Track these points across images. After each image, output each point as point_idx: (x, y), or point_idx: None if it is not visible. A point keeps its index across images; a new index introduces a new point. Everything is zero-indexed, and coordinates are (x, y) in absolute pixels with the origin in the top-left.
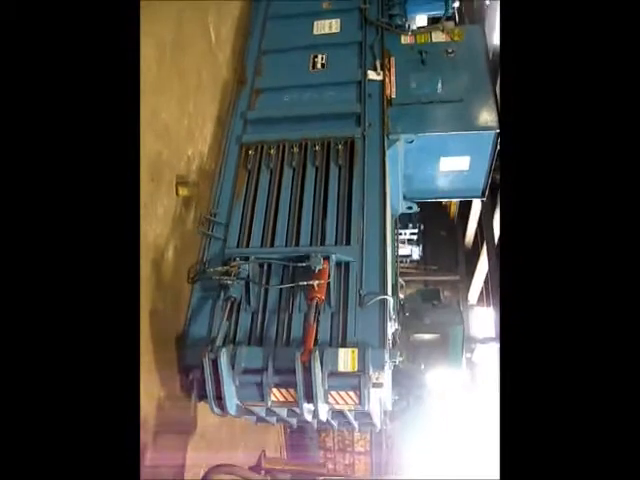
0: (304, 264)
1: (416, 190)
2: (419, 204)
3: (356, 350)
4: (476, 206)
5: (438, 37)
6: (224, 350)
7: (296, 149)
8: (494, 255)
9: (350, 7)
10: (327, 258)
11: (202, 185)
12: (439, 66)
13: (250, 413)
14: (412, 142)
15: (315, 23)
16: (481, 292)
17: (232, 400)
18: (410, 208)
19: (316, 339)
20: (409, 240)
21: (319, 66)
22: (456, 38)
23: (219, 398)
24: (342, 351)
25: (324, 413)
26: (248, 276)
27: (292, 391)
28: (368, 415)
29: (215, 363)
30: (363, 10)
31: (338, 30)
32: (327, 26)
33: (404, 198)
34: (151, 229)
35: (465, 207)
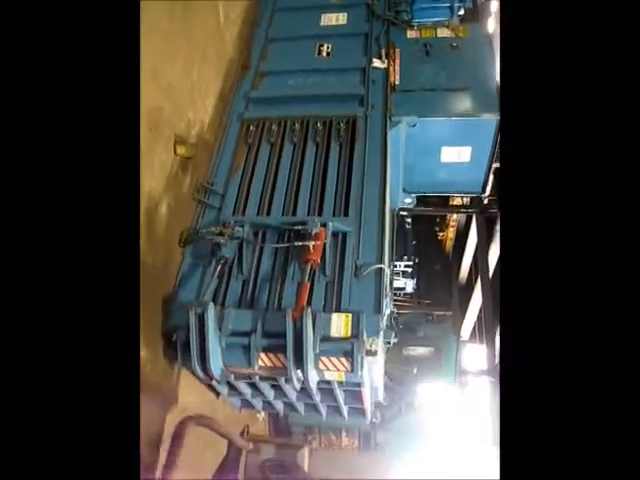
0: (300, 228)
1: (417, 183)
2: (414, 237)
3: (350, 315)
4: (472, 241)
5: (443, 33)
6: (211, 305)
7: (298, 126)
8: (488, 291)
9: (357, 2)
10: (324, 226)
11: (200, 153)
12: (443, 58)
13: (233, 389)
14: (414, 126)
15: (322, 16)
16: (474, 328)
17: (217, 362)
18: (410, 201)
19: (309, 304)
20: (403, 272)
21: (324, 54)
22: (461, 34)
23: (203, 361)
24: (335, 315)
25: (313, 380)
26: (242, 240)
27: (281, 357)
28: (358, 395)
29: (202, 319)
30: (370, 5)
31: (345, 22)
32: (334, 19)
33: (404, 191)
34: (146, 180)
35: (461, 240)
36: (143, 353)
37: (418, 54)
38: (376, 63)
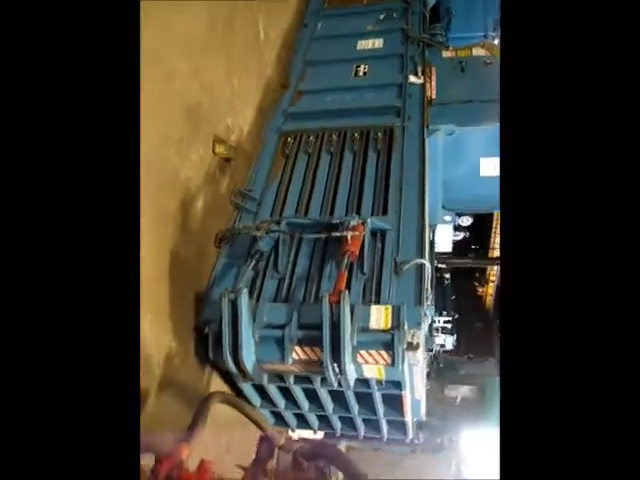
0: (337, 222)
1: (456, 199)
2: (453, 292)
3: (390, 307)
4: None
5: (478, 52)
6: (245, 291)
7: (335, 137)
8: None
9: (393, 28)
10: (363, 223)
11: (239, 160)
12: (478, 73)
13: (266, 399)
14: (452, 134)
15: (359, 42)
16: None
17: (250, 355)
18: (449, 219)
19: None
20: (443, 329)
21: (361, 74)
22: (495, 52)
23: (236, 352)
24: (374, 307)
25: (351, 376)
26: (278, 238)
27: (316, 349)
28: (399, 402)
29: (235, 306)
30: (406, 29)
31: (381, 46)
32: (370, 44)
33: (443, 208)
34: (183, 168)
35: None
36: (173, 346)
37: (454, 71)
38: (412, 79)
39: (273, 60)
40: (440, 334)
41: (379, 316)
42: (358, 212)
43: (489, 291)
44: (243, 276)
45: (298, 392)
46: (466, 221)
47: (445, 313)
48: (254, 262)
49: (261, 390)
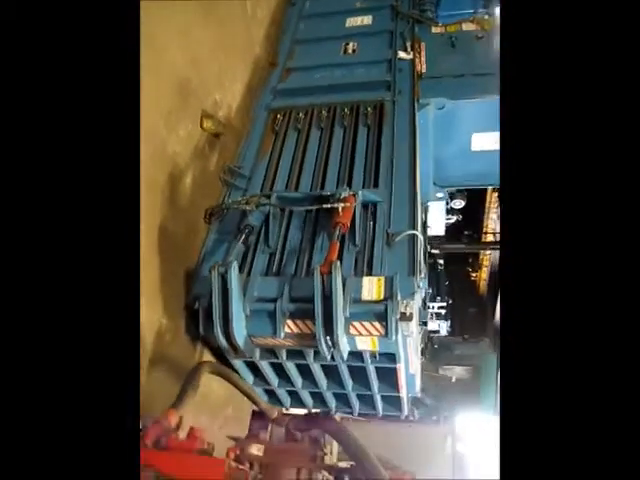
0: (329, 205)
1: (448, 176)
2: (447, 278)
3: (382, 278)
4: None
5: (468, 27)
6: (235, 264)
7: (325, 113)
8: None
9: (382, 5)
10: (354, 195)
11: (227, 137)
12: (469, 48)
13: (259, 377)
14: (443, 108)
15: (347, 19)
16: None
17: (240, 329)
18: (441, 195)
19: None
20: (437, 314)
21: (350, 51)
22: (486, 27)
23: (226, 326)
24: (367, 279)
25: (345, 349)
26: (268, 212)
27: (309, 323)
28: (393, 376)
29: (225, 280)
30: (395, 6)
31: (370, 23)
32: (359, 20)
33: (435, 185)
34: (170, 142)
35: (495, 281)
36: (164, 322)
37: (444, 46)
38: (402, 54)
39: (261, 39)
40: (435, 319)
41: (371, 287)
42: (349, 185)
43: (482, 276)
44: (233, 250)
45: (291, 368)
46: (458, 204)
47: (439, 299)
48: (244, 236)
49: (253, 368)
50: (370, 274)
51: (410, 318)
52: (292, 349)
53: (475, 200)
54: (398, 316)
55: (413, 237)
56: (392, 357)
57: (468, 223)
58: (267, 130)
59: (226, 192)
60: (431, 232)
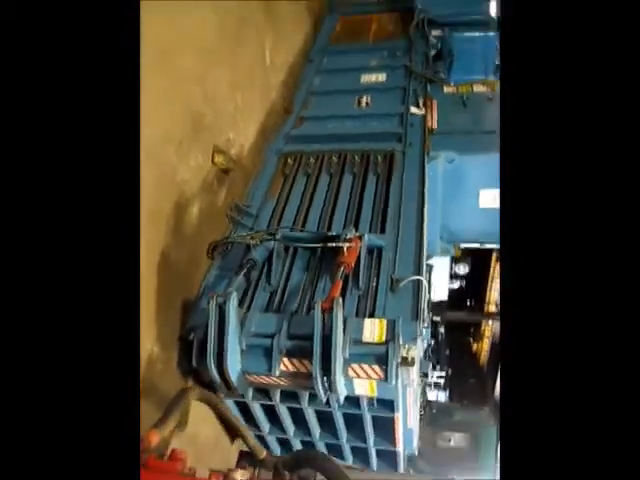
0: (334, 244)
1: (455, 231)
2: (447, 346)
3: (385, 321)
4: None
5: (479, 88)
6: (234, 295)
7: (335, 159)
8: None
9: (397, 64)
10: (360, 237)
11: (237, 175)
12: (480, 108)
13: (250, 420)
14: (452, 162)
15: (362, 75)
16: None
17: (235, 363)
18: (447, 250)
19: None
20: (435, 384)
21: (364, 104)
22: (495, 89)
23: (220, 360)
24: (369, 321)
25: (341, 391)
26: (272, 252)
27: (306, 362)
28: (390, 426)
29: (222, 311)
30: (409, 66)
31: (384, 80)
32: (374, 78)
33: (441, 239)
34: (180, 170)
35: (496, 353)
36: (156, 350)
37: (455, 105)
38: (414, 110)
39: (278, 85)
40: (433, 389)
41: (373, 329)
42: (356, 229)
43: (484, 347)
44: (234, 282)
45: (284, 413)
46: (462, 269)
47: (439, 367)
48: (245, 270)
49: (244, 410)
50: (373, 316)
51: (411, 363)
52: (287, 391)
53: (478, 270)
54: (399, 360)
55: (418, 283)
56: (390, 405)
57: (470, 293)
58: (277, 173)
59: (232, 229)
60: (434, 297)
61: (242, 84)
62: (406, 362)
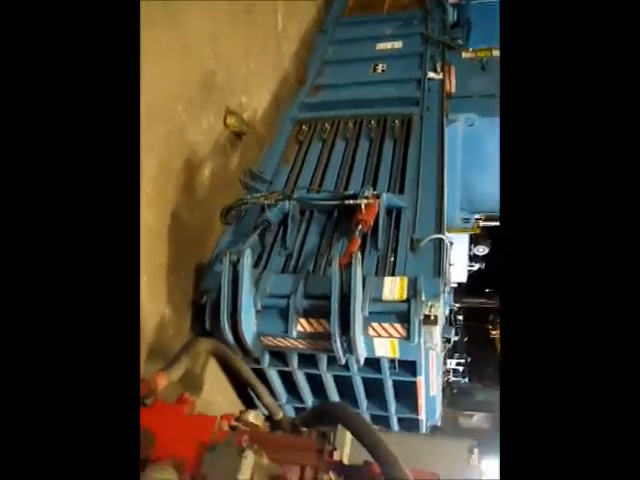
0: (351, 202)
1: (475, 200)
2: (466, 334)
3: (406, 279)
4: None
5: (498, 53)
6: (248, 252)
7: (351, 125)
8: None
9: (413, 32)
10: (378, 196)
11: (250, 142)
12: (498, 70)
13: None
14: (472, 125)
15: (377, 44)
16: None
17: (250, 325)
18: (467, 220)
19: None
20: (454, 371)
21: (379, 71)
22: None
23: (235, 321)
24: (389, 279)
25: (361, 352)
26: (287, 215)
27: (323, 322)
28: (413, 391)
29: (236, 270)
30: (426, 33)
31: (400, 47)
32: (390, 45)
33: (461, 209)
34: (191, 131)
35: None
36: (168, 313)
37: (474, 69)
38: (431, 75)
39: (291, 54)
40: (452, 377)
41: (393, 286)
42: (374, 189)
43: None
44: (248, 241)
45: (302, 380)
46: (482, 250)
47: (457, 355)
48: (260, 230)
49: (261, 379)
50: (393, 274)
51: (434, 322)
52: (304, 355)
53: (496, 252)
54: (422, 317)
55: (440, 242)
56: (413, 367)
57: (489, 276)
58: (291, 140)
59: (245, 195)
60: (453, 278)
61: (254, 49)
62: (429, 320)
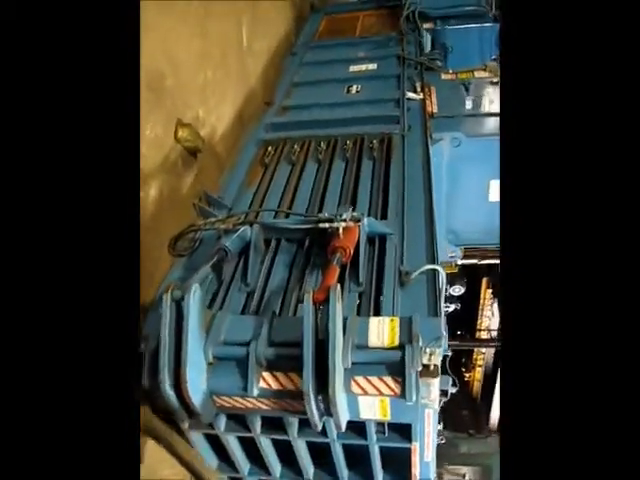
0: (327, 225)
1: (462, 231)
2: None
3: (397, 319)
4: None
5: (481, 74)
6: (196, 287)
7: (324, 145)
8: None
9: (388, 54)
10: (359, 220)
11: (208, 162)
12: (483, 92)
13: (223, 457)
14: (459, 145)
15: (351, 66)
16: None
17: (198, 381)
18: (453, 254)
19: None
20: None
21: (354, 92)
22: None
23: (177, 375)
24: (375, 319)
25: (343, 412)
26: (249, 245)
27: (293, 376)
28: (405, 462)
29: (180, 310)
30: (402, 54)
31: (375, 69)
32: (364, 68)
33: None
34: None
35: (489, 383)
36: None
37: (456, 89)
38: (411, 95)
39: (258, 73)
40: None
41: (382, 329)
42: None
43: (476, 376)
44: (197, 274)
45: (267, 447)
46: (458, 290)
47: None
48: (215, 260)
49: (217, 446)
50: (379, 314)
51: (434, 374)
52: (269, 417)
53: (467, 293)
54: (419, 369)
55: (434, 274)
56: (407, 432)
57: (460, 322)
58: (255, 162)
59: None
60: None
61: (213, 57)
62: (428, 371)
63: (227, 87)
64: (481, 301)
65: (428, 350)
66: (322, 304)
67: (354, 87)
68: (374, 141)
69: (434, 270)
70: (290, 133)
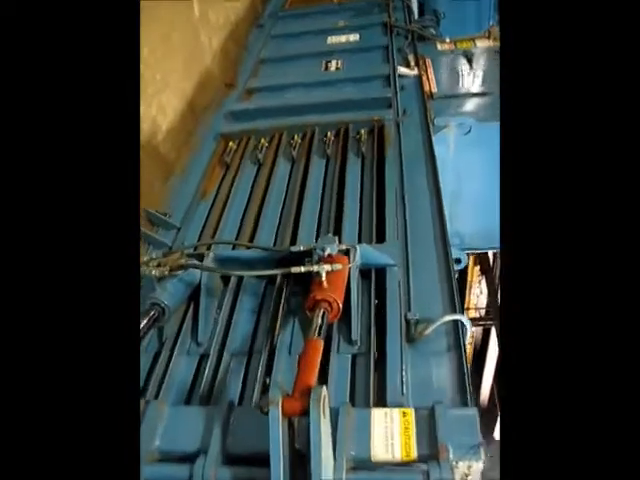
0: (301, 269)
1: (469, 234)
2: None
3: (411, 411)
4: (492, 359)
5: (483, 43)
6: None
7: (298, 139)
8: None
9: (372, 22)
10: (347, 252)
11: (149, 168)
12: (489, 64)
13: None
14: (468, 133)
15: (328, 37)
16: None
17: None
18: (459, 261)
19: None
20: None
21: (333, 69)
22: None
23: None
24: (378, 413)
25: None
26: (198, 287)
27: None
28: None
29: None
30: (389, 21)
31: (357, 40)
32: (344, 39)
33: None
34: None
35: (478, 360)
36: None
37: (458, 63)
38: (403, 70)
39: (215, 50)
40: None
41: (390, 430)
42: (338, 238)
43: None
44: None
45: None
46: None
47: None
48: (147, 321)
49: None
50: (384, 401)
51: None
52: None
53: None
54: None
55: (459, 327)
56: None
57: None
58: (213, 163)
59: (143, 249)
60: None
61: (153, 33)
62: None
63: (171, 69)
64: (469, 278)
65: (460, 464)
66: (299, 415)
67: (333, 62)
68: (361, 131)
69: (458, 321)
70: (256, 123)
